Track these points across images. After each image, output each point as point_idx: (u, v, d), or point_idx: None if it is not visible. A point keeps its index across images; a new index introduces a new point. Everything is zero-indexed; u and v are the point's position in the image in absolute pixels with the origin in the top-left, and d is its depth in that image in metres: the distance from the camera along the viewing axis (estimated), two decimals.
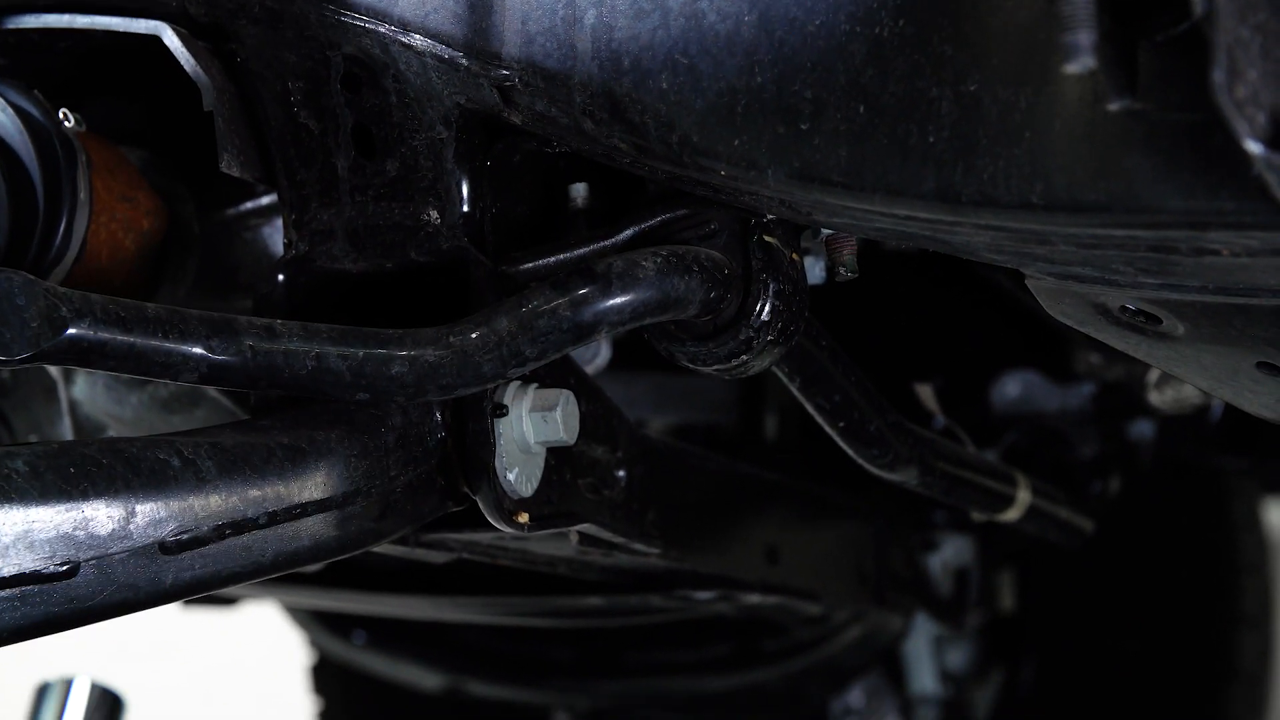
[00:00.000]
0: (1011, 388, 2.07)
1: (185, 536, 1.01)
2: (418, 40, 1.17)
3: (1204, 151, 0.92)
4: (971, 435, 1.85)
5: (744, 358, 1.21)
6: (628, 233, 1.22)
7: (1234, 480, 2.54)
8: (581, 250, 1.21)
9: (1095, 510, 2.04)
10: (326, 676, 2.74)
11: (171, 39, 1.20)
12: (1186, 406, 1.98)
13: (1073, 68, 0.88)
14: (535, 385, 1.20)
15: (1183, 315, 1.10)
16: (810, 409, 1.39)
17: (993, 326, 2.07)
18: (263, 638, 3.46)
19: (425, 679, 2.40)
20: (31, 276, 0.96)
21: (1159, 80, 0.92)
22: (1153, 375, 1.95)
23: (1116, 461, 2.12)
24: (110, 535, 0.98)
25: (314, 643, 2.58)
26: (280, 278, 1.23)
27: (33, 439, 1.49)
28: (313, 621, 2.41)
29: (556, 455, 1.24)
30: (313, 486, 1.09)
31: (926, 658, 2.46)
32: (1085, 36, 0.87)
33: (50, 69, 1.27)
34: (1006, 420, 2.06)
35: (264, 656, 3.62)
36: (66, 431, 1.45)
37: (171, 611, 2.59)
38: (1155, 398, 1.96)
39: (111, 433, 1.44)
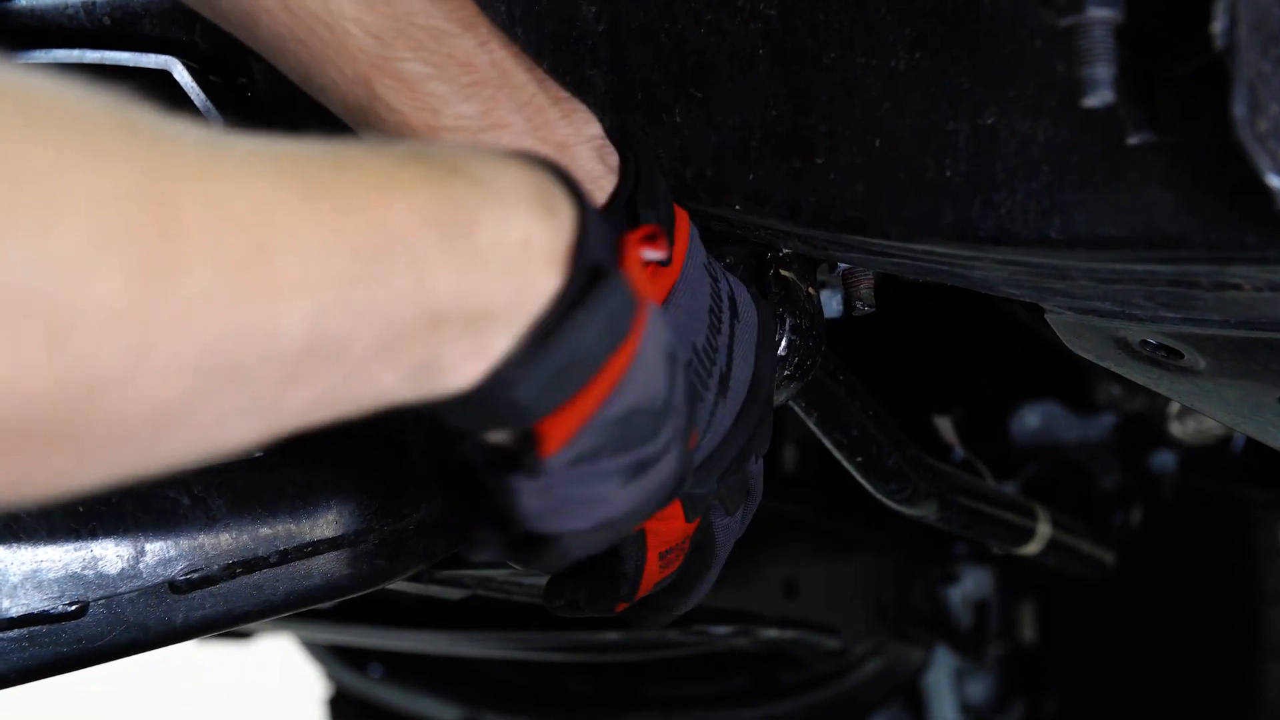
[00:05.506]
0: (1032, 419, 2.06)
1: (195, 575, 1.01)
2: None
3: (1225, 186, 0.90)
4: (992, 467, 1.83)
5: None
6: None
7: (1257, 511, 2.52)
8: None
9: (1117, 542, 2.03)
10: (344, 710, 2.72)
11: (182, 74, 1.19)
12: (1208, 438, 1.97)
13: (1091, 102, 0.87)
14: None
15: (1204, 350, 1.09)
16: (828, 443, 1.38)
17: (1012, 358, 2.06)
18: (279, 671, 3.45)
19: (443, 712, 2.38)
20: None
21: (1179, 114, 0.91)
22: (1174, 406, 1.94)
23: (1138, 493, 2.10)
24: (119, 575, 0.98)
25: (330, 676, 2.57)
26: None
27: None
28: (329, 655, 2.40)
29: None
30: (324, 524, 1.08)
31: (947, 690, 2.44)
32: (1104, 70, 0.86)
33: None
34: (1027, 452, 2.05)
35: (280, 690, 3.61)
36: None
37: (187, 645, 2.58)
38: (1177, 429, 1.95)
39: None
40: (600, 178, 1.04)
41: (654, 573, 1.10)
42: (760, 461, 1.15)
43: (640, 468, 0.92)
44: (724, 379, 1.06)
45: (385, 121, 1.01)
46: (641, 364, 0.88)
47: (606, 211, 1.03)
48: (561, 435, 0.86)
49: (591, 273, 0.85)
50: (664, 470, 0.95)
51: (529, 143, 1.02)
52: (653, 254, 0.96)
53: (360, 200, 0.74)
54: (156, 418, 0.67)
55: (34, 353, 0.61)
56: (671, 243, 1.04)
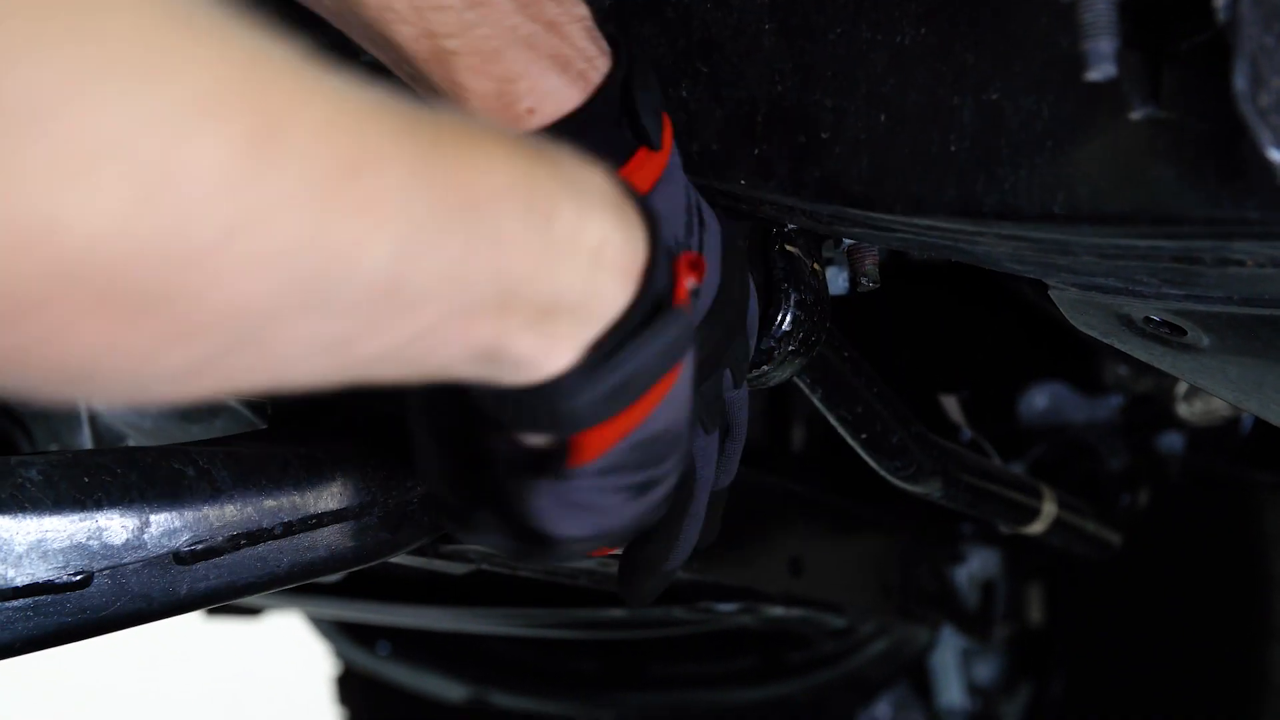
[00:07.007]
0: (1039, 400, 2.06)
1: (200, 547, 1.01)
2: None
3: (1228, 161, 0.90)
4: (999, 448, 1.83)
5: (765, 368, 1.19)
6: None
7: (1265, 493, 2.52)
8: None
9: (1124, 523, 2.03)
10: (351, 687, 2.74)
11: None
12: (1216, 419, 1.97)
13: (1094, 76, 0.87)
14: None
15: (1207, 327, 1.09)
16: (832, 420, 1.38)
17: (1020, 338, 2.06)
18: (288, 648, 3.47)
19: (449, 690, 2.39)
20: None
21: (1182, 88, 0.91)
22: (1181, 387, 1.94)
23: (1145, 474, 2.10)
24: (124, 545, 0.98)
25: (338, 654, 2.58)
26: None
27: (53, 448, 1.49)
28: (337, 632, 2.41)
29: None
30: (329, 497, 1.08)
31: (954, 670, 2.44)
32: (1106, 44, 0.86)
33: None
34: (1034, 432, 2.05)
35: (289, 667, 3.62)
36: (86, 441, 1.45)
37: (195, 621, 2.60)
38: (1184, 410, 1.95)
39: (131, 442, 1.44)
40: (595, 57, 1.02)
41: None
42: (744, 393, 1.14)
43: (648, 486, 0.96)
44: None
45: (364, 1, 0.98)
46: (677, 392, 0.93)
47: (603, 91, 1.01)
48: (598, 448, 0.90)
49: (657, 299, 0.88)
50: (661, 492, 0.99)
51: (516, 21, 0.99)
52: (693, 283, 0.97)
53: (448, 155, 0.73)
54: (235, 313, 0.64)
55: (126, 207, 0.59)
56: (661, 129, 1.04)
